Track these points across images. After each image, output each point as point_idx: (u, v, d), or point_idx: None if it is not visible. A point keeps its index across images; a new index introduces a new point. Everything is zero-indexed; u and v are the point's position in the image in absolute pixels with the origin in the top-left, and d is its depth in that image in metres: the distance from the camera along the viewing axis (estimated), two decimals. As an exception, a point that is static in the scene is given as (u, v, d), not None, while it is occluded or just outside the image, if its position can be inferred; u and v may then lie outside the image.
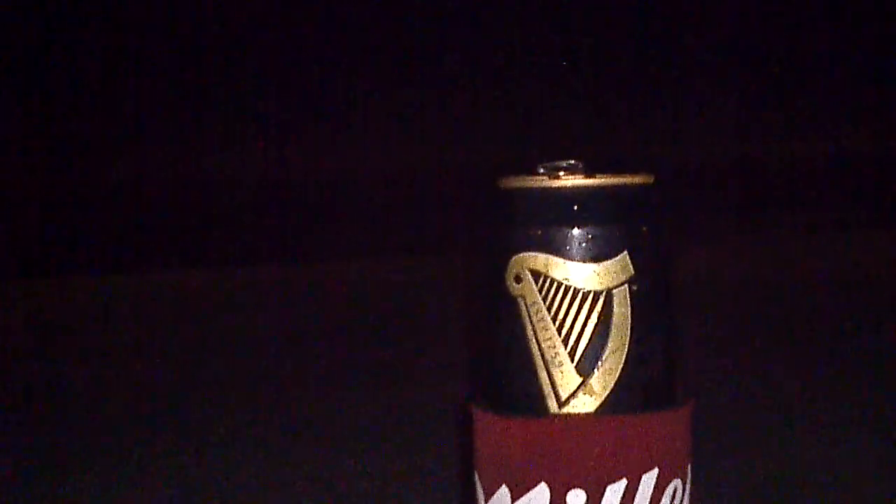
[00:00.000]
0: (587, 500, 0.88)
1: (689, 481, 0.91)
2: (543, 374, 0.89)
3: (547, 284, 0.89)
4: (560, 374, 0.89)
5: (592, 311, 0.88)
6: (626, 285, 0.89)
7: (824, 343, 2.86)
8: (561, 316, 0.88)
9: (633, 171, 0.92)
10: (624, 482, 0.88)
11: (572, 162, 0.90)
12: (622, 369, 0.89)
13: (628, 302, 0.89)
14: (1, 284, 4.92)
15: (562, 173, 0.90)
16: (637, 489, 0.88)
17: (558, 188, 0.89)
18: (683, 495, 0.90)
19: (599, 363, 0.89)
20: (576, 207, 0.89)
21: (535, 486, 0.88)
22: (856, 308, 3.32)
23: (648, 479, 0.88)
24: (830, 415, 2.18)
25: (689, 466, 0.91)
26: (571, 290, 0.88)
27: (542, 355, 0.89)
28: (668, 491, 0.89)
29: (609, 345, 0.88)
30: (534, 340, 0.89)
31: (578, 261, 0.88)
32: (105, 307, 4.09)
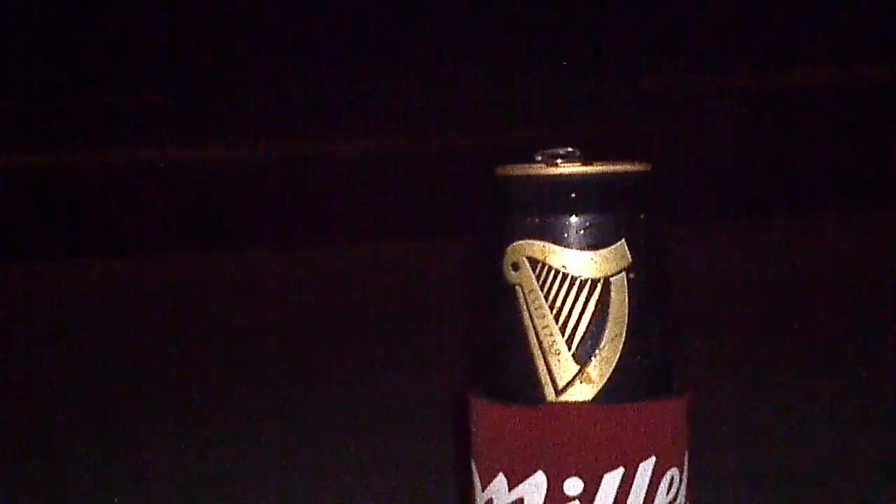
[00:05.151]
0: (584, 488, 0.88)
1: (686, 470, 0.91)
2: (541, 363, 0.89)
3: (544, 272, 0.89)
4: (557, 362, 0.89)
5: (590, 299, 0.88)
6: (623, 273, 0.89)
7: (826, 334, 2.85)
8: (558, 304, 0.88)
9: (631, 159, 0.91)
10: (621, 470, 0.88)
11: (570, 149, 0.90)
12: (619, 357, 0.89)
13: (626, 290, 0.89)
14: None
15: (559, 161, 0.90)
16: (634, 478, 0.88)
17: (556, 176, 0.89)
18: (680, 484, 0.90)
19: (597, 351, 0.88)
20: (573, 195, 0.89)
21: (533, 474, 0.88)
22: (859, 300, 3.32)
23: (645, 468, 0.88)
24: (831, 407, 2.18)
25: (686, 456, 0.91)
26: (569, 277, 0.88)
27: (540, 343, 0.89)
28: (665, 480, 0.89)
29: (606, 333, 0.88)
30: (531, 328, 0.89)
31: (576, 248, 0.88)
32: (101, 292, 4.09)
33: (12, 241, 6.05)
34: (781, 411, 2.17)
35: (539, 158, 0.90)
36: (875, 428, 2.03)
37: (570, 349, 0.88)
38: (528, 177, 0.90)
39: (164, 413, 2.34)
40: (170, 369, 2.76)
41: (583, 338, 0.88)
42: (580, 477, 0.87)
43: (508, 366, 0.90)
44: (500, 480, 0.89)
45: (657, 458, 0.88)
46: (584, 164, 0.90)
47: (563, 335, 0.88)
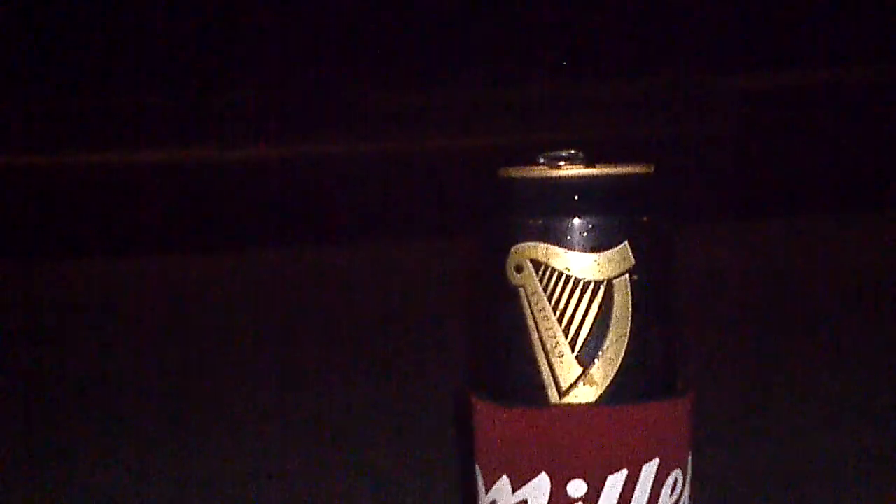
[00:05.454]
0: (587, 490, 0.88)
1: (689, 472, 0.91)
2: (544, 364, 0.89)
3: (547, 274, 0.89)
4: (560, 364, 0.89)
5: (593, 301, 0.88)
6: (626, 275, 0.89)
7: (826, 334, 2.85)
8: (562, 306, 0.88)
9: (634, 161, 0.92)
10: (624, 472, 0.88)
11: (573, 151, 0.90)
12: (623, 359, 0.89)
13: (629, 292, 0.89)
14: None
15: (562, 163, 0.90)
16: (637, 479, 0.88)
17: (559, 178, 0.89)
18: (684, 486, 0.90)
19: (600, 353, 0.88)
20: (576, 197, 0.89)
21: (536, 476, 0.88)
22: (859, 299, 3.32)
23: (649, 470, 0.88)
24: (831, 407, 2.18)
25: (689, 457, 0.91)
26: (572, 279, 0.88)
27: (543, 345, 0.89)
28: (669, 481, 0.89)
29: (610, 335, 0.88)
30: (534, 330, 0.89)
31: (579, 250, 0.88)
32: (101, 292, 4.08)
33: (12, 241, 6.05)
34: (781, 411, 2.17)
35: (542, 160, 0.90)
36: (875, 428, 2.03)
37: (573, 351, 0.89)
38: (531, 179, 0.90)
39: (164, 413, 2.34)
40: (170, 369, 2.76)
41: (586, 340, 0.88)
42: (584, 479, 0.88)
43: (511, 368, 0.90)
44: (504, 482, 0.89)
45: (661, 459, 0.88)
46: (587, 166, 0.90)
47: (566, 337, 0.88)
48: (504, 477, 0.89)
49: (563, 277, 0.88)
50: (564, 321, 0.88)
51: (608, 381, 0.89)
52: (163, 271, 4.68)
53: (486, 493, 0.91)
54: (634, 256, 0.89)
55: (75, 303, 3.93)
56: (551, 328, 0.88)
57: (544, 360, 0.89)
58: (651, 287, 0.89)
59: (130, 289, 4.25)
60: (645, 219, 0.89)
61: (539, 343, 0.89)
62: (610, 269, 0.89)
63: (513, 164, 0.92)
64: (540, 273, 0.89)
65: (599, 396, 0.89)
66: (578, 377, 0.89)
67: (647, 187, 0.91)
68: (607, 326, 0.88)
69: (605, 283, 0.89)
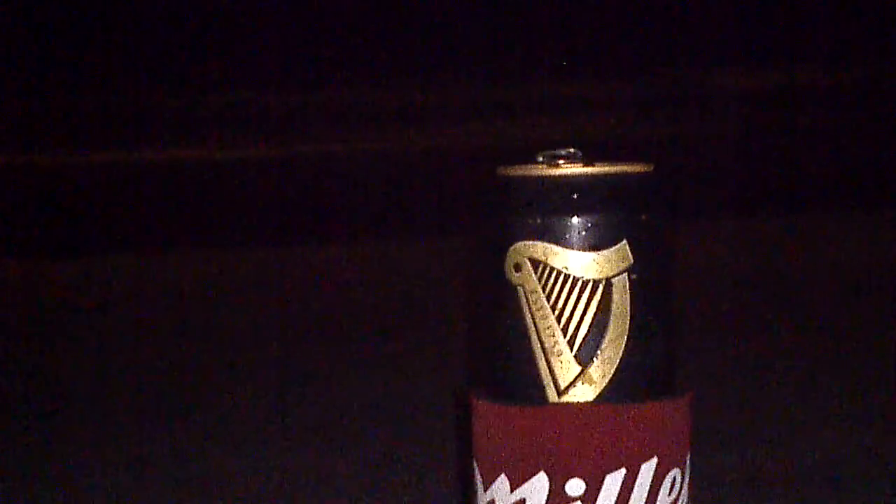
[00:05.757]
0: (586, 489, 0.88)
1: (687, 471, 0.91)
2: (542, 363, 0.89)
3: (546, 273, 0.89)
4: (559, 362, 0.89)
5: (592, 299, 0.88)
6: (625, 274, 0.89)
7: (826, 334, 2.85)
8: (560, 305, 0.88)
9: (633, 160, 0.91)
10: (623, 471, 0.88)
11: (571, 150, 0.90)
12: (621, 358, 0.88)
13: (627, 291, 0.89)
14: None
15: (561, 162, 0.90)
16: (636, 478, 0.88)
17: (558, 177, 0.89)
18: (682, 485, 0.90)
19: (598, 352, 0.88)
20: (575, 196, 0.89)
21: (535, 475, 0.88)
22: (859, 299, 3.31)
23: (647, 469, 0.88)
24: (831, 407, 2.18)
25: (688, 456, 0.91)
26: (571, 278, 0.88)
27: (542, 344, 0.89)
28: (667, 480, 0.89)
29: (608, 334, 0.88)
30: (533, 329, 0.89)
31: (578, 249, 0.88)
32: (101, 292, 4.08)
33: (12, 241, 6.04)
34: (781, 411, 2.17)
35: (541, 159, 0.90)
36: (875, 428, 2.03)
37: (571, 350, 0.88)
38: (530, 177, 0.90)
39: (163, 412, 2.34)
40: (170, 369, 2.76)
41: (585, 339, 0.88)
42: (582, 478, 0.87)
43: (510, 366, 0.90)
44: (502, 481, 0.89)
45: (659, 458, 0.88)
46: (586, 164, 0.90)
47: (564, 336, 0.88)
48: (502, 476, 0.89)
49: (562, 276, 0.88)
50: (563, 320, 0.88)
51: (607, 380, 0.88)
52: (163, 271, 4.67)
53: (485, 492, 0.91)
54: (633, 255, 0.89)
55: (75, 303, 3.92)
56: (550, 327, 0.88)
57: (543, 359, 0.89)
58: (650, 286, 0.89)
59: (130, 288, 4.24)
60: (644, 217, 0.89)
61: (538, 342, 0.89)
62: (609, 267, 0.89)
63: (511, 163, 0.92)
64: (539, 272, 0.89)
65: (598, 395, 0.89)
66: (577, 376, 0.89)
67: (646, 186, 0.91)
68: (606, 325, 0.88)
69: (603, 281, 0.88)
